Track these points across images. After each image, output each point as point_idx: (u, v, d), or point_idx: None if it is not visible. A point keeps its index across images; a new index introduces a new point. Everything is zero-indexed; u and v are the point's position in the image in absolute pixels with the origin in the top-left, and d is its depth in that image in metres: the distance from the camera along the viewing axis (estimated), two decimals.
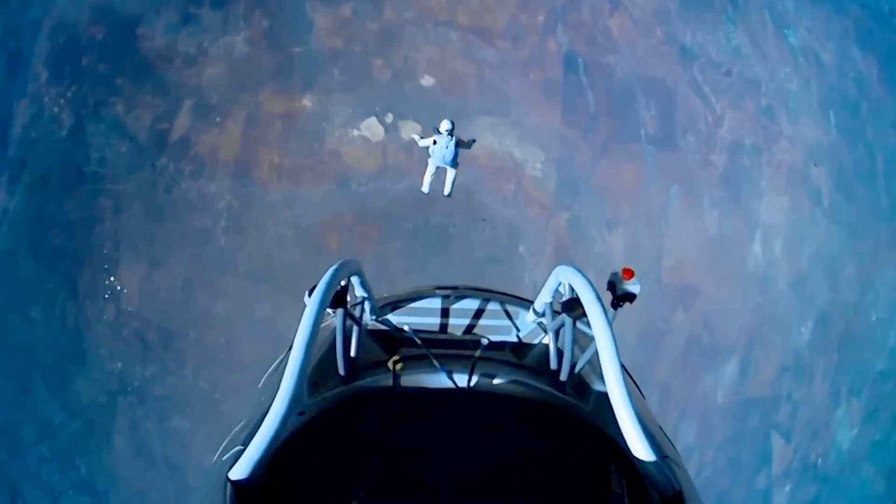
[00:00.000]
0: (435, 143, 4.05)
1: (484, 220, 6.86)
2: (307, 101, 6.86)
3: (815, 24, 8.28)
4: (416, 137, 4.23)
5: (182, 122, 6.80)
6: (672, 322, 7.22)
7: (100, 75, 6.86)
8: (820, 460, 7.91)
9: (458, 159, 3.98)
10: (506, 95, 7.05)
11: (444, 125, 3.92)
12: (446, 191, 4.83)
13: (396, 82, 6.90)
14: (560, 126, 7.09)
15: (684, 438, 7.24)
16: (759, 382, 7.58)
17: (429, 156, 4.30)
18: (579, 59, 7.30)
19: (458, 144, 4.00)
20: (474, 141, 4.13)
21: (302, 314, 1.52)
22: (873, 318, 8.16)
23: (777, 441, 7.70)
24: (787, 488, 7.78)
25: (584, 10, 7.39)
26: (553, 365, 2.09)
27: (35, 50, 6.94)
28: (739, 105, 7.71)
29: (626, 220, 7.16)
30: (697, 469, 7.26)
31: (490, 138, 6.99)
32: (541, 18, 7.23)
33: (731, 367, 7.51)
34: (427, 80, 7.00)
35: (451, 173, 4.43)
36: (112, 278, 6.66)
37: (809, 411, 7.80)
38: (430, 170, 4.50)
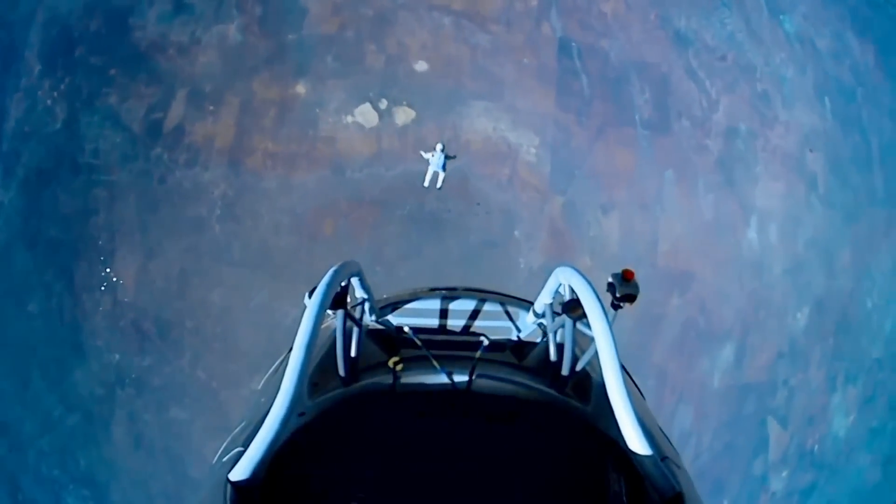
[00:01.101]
0: (433, 155, 6.11)
1: (479, 204, 6.88)
2: (301, 88, 6.84)
3: (811, 11, 8.25)
4: (422, 153, 6.19)
5: (176, 112, 6.78)
6: (668, 307, 7.23)
7: (93, 67, 6.83)
8: (816, 447, 7.92)
9: (447, 166, 6.19)
10: (500, 80, 7.04)
11: (438, 147, 6.09)
12: (438, 185, 6.63)
13: (390, 68, 6.89)
14: (554, 111, 7.09)
15: (681, 423, 7.27)
16: (755, 368, 7.59)
17: (428, 163, 6.29)
18: (573, 44, 7.29)
19: (447, 157, 6.09)
20: (455, 156, 6.27)
21: (302, 315, 1.52)
22: (869, 305, 8.16)
23: (773, 427, 7.72)
24: (784, 474, 7.80)
25: None
26: (553, 366, 2.09)
27: (28, 42, 6.91)
28: (734, 90, 7.69)
29: (620, 204, 7.16)
30: (694, 454, 7.28)
31: (484, 123, 7.00)
32: (534, 3, 7.22)
33: (727, 353, 7.52)
34: (421, 66, 6.99)
35: (441, 174, 6.34)
36: (108, 269, 6.65)
37: (806, 397, 7.81)
38: (429, 172, 6.40)
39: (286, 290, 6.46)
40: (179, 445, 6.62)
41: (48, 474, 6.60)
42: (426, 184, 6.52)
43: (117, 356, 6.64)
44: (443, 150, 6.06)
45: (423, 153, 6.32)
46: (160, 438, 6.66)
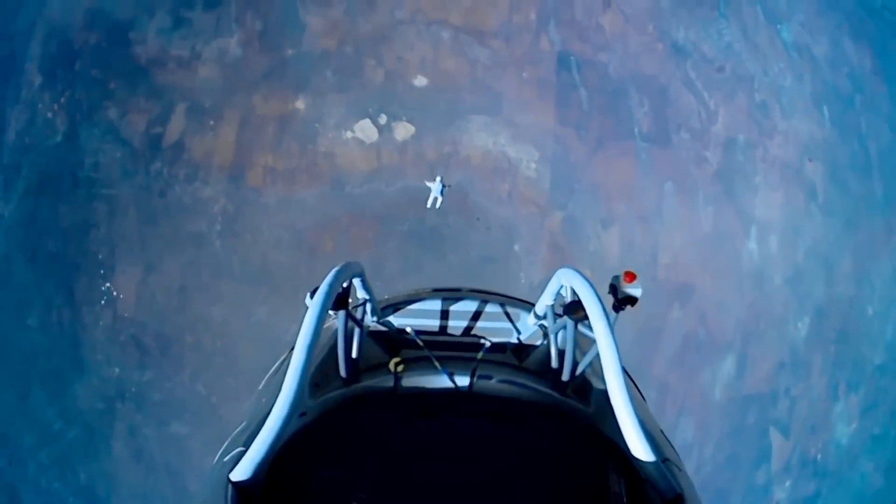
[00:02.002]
0: (434, 184, 6.78)
1: (478, 219, 6.91)
2: (300, 104, 6.86)
3: (808, 19, 8.29)
4: (426, 182, 6.86)
5: (175, 126, 6.80)
6: (668, 319, 7.23)
7: (93, 80, 6.85)
8: (819, 455, 7.91)
9: (444, 192, 6.88)
10: (499, 94, 7.07)
11: (438, 178, 6.79)
12: (437, 206, 7.01)
13: (389, 83, 6.92)
14: (554, 124, 7.11)
15: (683, 435, 7.25)
16: (756, 378, 7.59)
17: (430, 190, 6.82)
18: (572, 58, 7.31)
19: (444, 186, 6.78)
20: (451, 185, 6.92)
21: (303, 316, 1.52)
22: (870, 312, 8.16)
23: (776, 437, 7.71)
24: (787, 484, 7.78)
25: (576, 8, 7.41)
26: (554, 367, 2.10)
27: (28, 55, 6.93)
28: (733, 101, 7.71)
29: (620, 217, 7.18)
30: (697, 466, 7.27)
31: (484, 138, 7.03)
32: (533, 17, 7.25)
33: (728, 364, 7.51)
34: (420, 81, 7.02)
35: (440, 198, 6.91)
36: (108, 284, 6.65)
37: (808, 406, 7.81)
38: (431, 197, 6.89)
39: (286, 305, 6.47)
40: (179, 460, 6.61)
41: (48, 487, 6.58)
42: (428, 206, 7.01)
43: (117, 370, 6.64)
44: (441, 181, 6.88)
45: (426, 182, 7.00)
46: (160, 453, 6.65)
